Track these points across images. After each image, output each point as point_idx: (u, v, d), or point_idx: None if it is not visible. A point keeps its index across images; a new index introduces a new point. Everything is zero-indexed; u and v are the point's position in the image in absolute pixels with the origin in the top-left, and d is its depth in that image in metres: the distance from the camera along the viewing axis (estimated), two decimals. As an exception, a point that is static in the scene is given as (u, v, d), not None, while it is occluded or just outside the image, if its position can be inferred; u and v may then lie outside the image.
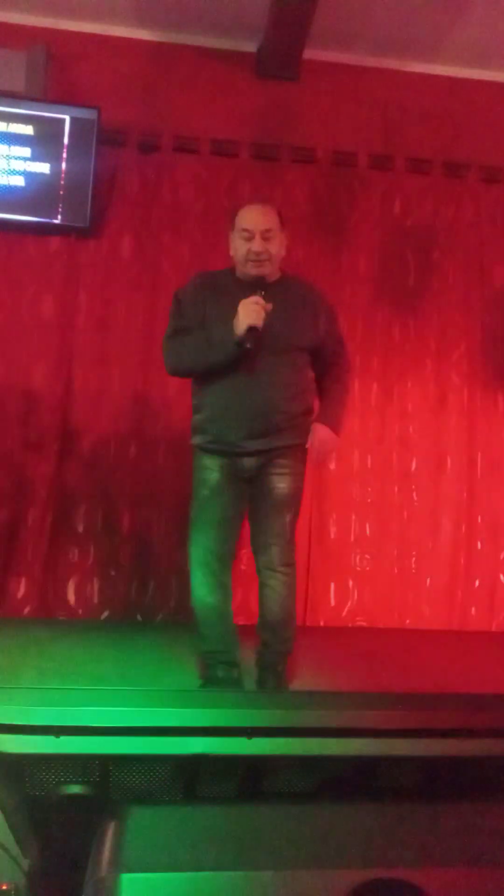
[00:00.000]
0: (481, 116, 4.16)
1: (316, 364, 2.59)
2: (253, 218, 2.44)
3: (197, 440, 2.51)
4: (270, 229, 2.43)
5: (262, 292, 2.34)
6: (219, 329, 2.37)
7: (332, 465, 3.82)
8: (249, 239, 2.40)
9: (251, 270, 2.44)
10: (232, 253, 2.51)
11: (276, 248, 2.47)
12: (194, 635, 2.55)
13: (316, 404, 2.59)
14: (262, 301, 2.33)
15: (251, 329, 2.30)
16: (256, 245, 2.40)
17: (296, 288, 2.57)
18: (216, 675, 2.46)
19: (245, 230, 2.41)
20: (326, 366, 2.60)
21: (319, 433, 2.49)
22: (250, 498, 2.52)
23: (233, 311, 2.33)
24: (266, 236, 2.41)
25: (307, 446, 2.49)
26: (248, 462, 2.45)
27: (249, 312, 2.31)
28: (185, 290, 2.57)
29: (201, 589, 2.46)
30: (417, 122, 4.12)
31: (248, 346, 2.31)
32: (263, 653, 2.53)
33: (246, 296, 2.35)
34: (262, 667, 2.51)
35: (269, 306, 2.34)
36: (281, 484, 2.47)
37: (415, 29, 3.87)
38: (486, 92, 4.20)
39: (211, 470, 2.46)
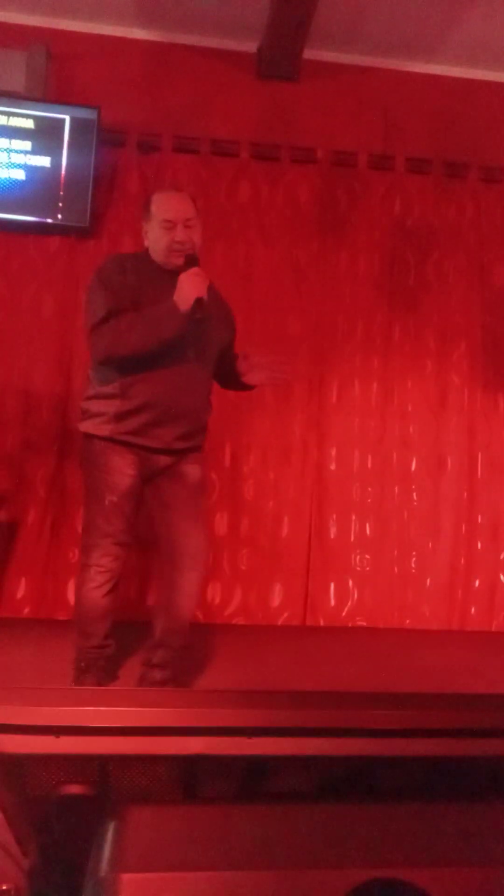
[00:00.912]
0: (481, 116, 4.16)
1: (221, 361, 2.53)
2: (174, 207, 2.38)
3: (108, 430, 2.33)
4: (191, 218, 2.38)
5: (196, 268, 2.30)
6: (157, 307, 2.28)
7: (333, 466, 3.82)
8: (171, 228, 2.34)
9: (175, 259, 2.36)
10: (148, 243, 2.43)
11: (198, 237, 2.42)
12: (73, 631, 2.49)
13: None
14: (202, 273, 2.29)
15: (200, 301, 2.26)
16: (180, 234, 2.34)
17: (213, 295, 2.48)
18: (95, 664, 2.43)
19: (167, 220, 2.35)
20: (230, 363, 2.52)
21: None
22: (157, 492, 2.42)
23: (167, 294, 2.27)
24: (188, 224, 2.36)
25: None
26: (164, 461, 2.38)
27: (194, 284, 2.26)
28: (110, 273, 2.41)
29: (98, 592, 2.37)
30: (417, 122, 4.12)
31: (198, 316, 2.26)
32: (162, 655, 2.41)
33: (174, 281, 2.29)
34: (155, 664, 2.41)
35: (209, 280, 2.31)
36: (193, 470, 2.41)
37: (415, 29, 3.87)
38: (486, 92, 4.20)
39: (123, 473, 2.33)
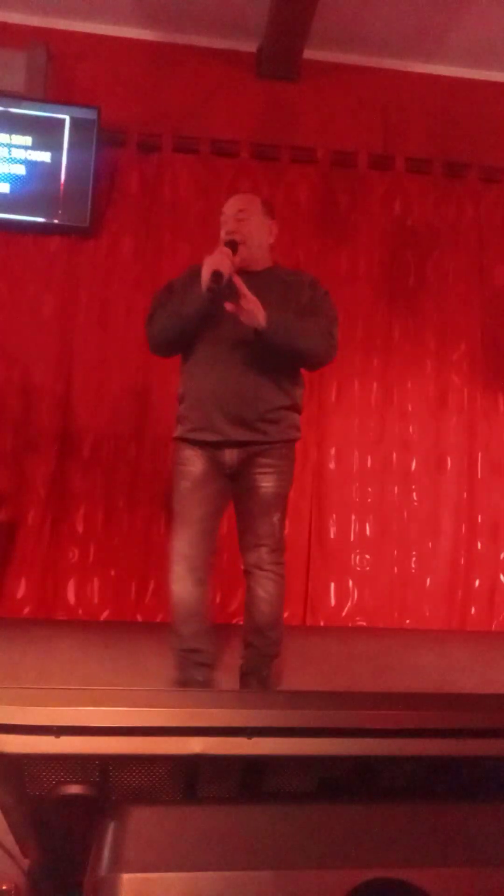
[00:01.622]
0: (481, 116, 4.17)
1: None
2: (229, 203, 2.49)
3: (179, 431, 2.44)
4: (243, 209, 2.44)
5: (229, 248, 2.33)
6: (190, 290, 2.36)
7: (333, 466, 3.82)
8: (225, 222, 2.45)
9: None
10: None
11: (253, 230, 2.43)
12: (170, 632, 2.42)
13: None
14: (227, 250, 2.31)
15: (216, 274, 2.24)
16: (231, 225, 2.42)
17: (282, 276, 2.51)
18: (190, 675, 2.36)
19: (222, 214, 2.47)
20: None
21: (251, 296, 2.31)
22: (235, 497, 2.44)
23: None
24: (239, 217, 2.43)
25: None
26: (230, 456, 2.37)
27: (214, 259, 2.27)
28: (177, 279, 2.54)
29: (180, 584, 2.36)
30: (417, 122, 4.12)
31: (215, 290, 2.23)
32: (249, 656, 2.43)
33: (234, 239, 2.37)
34: (246, 671, 2.43)
35: (237, 258, 2.32)
36: (266, 483, 2.38)
37: (415, 29, 3.87)
38: (486, 92, 4.20)
39: (192, 461, 2.38)
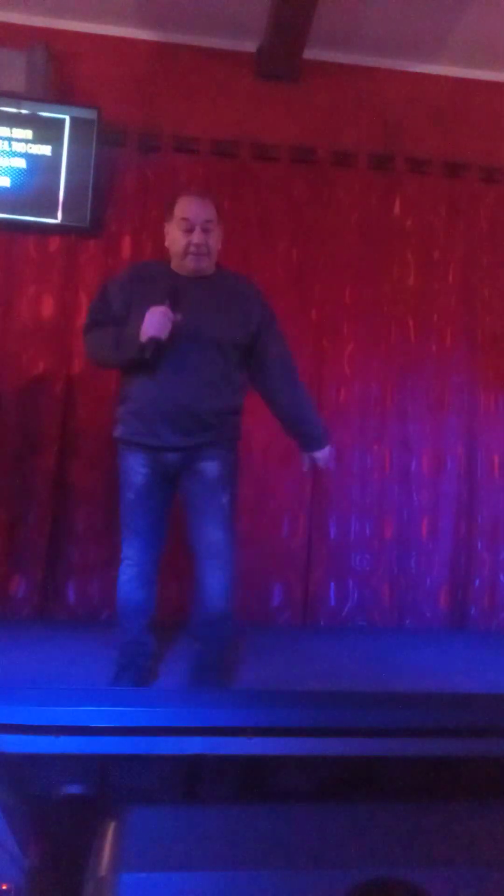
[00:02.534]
0: (481, 116, 4.16)
1: (252, 363, 2.52)
2: (194, 208, 2.40)
3: (119, 432, 2.47)
4: (211, 220, 2.40)
5: (170, 302, 2.31)
6: (130, 328, 2.34)
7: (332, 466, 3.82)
8: (189, 230, 2.37)
9: (189, 264, 2.41)
10: (168, 244, 2.49)
11: (215, 240, 2.43)
12: (115, 630, 2.57)
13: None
14: (169, 312, 2.29)
15: (153, 339, 2.27)
16: (196, 237, 2.36)
17: (230, 282, 2.52)
18: (133, 661, 2.46)
19: (185, 219, 2.38)
20: (267, 366, 2.52)
21: (320, 457, 2.56)
22: (181, 489, 2.46)
23: (158, 303, 2.30)
24: (206, 227, 2.38)
25: (304, 470, 2.50)
26: (172, 458, 2.40)
27: (154, 322, 2.27)
28: (114, 282, 2.53)
29: (128, 585, 2.48)
30: (417, 122, 4.11)
31: (147, 356, 2.28)
32: (201, 651, 2.45)
33: (177, 288, 2.33)
34: (198, 665, 2.44)
35: (179, 317, 2.31)
36: (210, 466, 2.40)
37: (415, 29, 3.87)
38: (486, 92, 4.20)
39: (136, 471, 2.42)
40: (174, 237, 2.43)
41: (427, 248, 4.03)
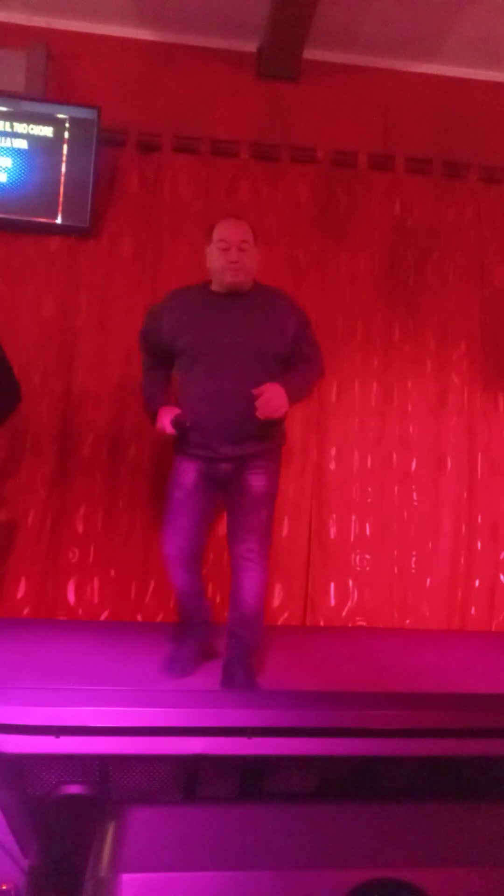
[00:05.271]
0: (481, 116, 4.16)
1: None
2: (230, 230, 2.61)
3: (177, 445, 2.67)
4: (246, 241, 2.60)
5: (183, 421, 2.57)
6: (153, 397, 2.72)
7: (333, 466, 3.83)
8: (226, 249, 2.58)
9: (228, 278, 2.59)
10: (209, 265, 2.67)
11: (251, 259, 2.63)
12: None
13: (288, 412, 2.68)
14: (173, 428, 2.57)
15: (179, 423, 2.56)
16: (233, 255, 2.57)
17: (266, 296, 2.70)
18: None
19: (222, 240, 2.59)
20: (294, 363, 2.71)
21: (270, 387, 2.50)
22: (225, 497, 2.66)
23: (203, 321, 2.57)
24: (242, 247, 2.58)
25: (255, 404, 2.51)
26: (225, 467, 2.60)
27: (162, 422, 2.59)
28: (156, 307, 2.78)
29: (180, 580, 2.67)
30: (417, 122, 4.12)
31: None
32: (233, 646, 2.58)
33: (217, 307, 2.58)
34: (230, 660, 2.55)
35: (188, 423, 2.55)
36: (257, 482, 2.60)
37: (415, 29, 3.87)
38: (486, 92, 4.20)
39: (186, 473, 2.61)
40: (214, 257, 2.62)
41: (427, 248, 4.03)
